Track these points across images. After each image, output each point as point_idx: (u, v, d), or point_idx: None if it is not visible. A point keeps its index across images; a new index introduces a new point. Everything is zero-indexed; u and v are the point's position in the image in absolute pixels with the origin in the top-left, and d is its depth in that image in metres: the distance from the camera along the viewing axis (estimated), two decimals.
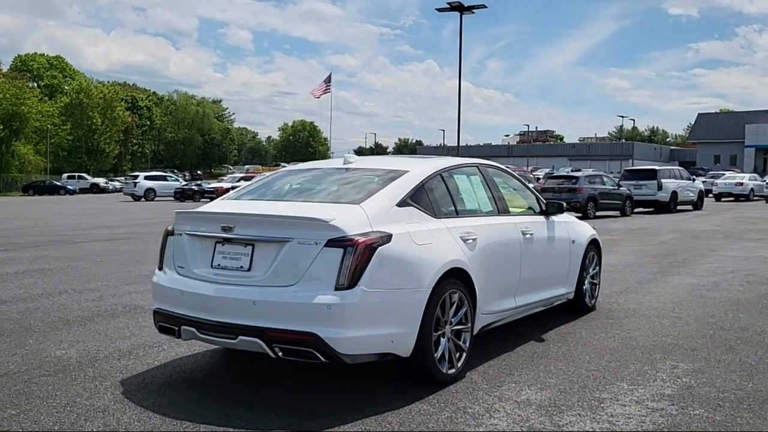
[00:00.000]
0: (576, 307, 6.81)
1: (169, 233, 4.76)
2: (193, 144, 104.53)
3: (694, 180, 29.67)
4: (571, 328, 6.27)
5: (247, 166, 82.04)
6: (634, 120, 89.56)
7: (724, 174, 42.92)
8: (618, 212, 24.72)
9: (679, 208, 27.08)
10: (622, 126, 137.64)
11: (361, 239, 4.01)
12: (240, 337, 4.08)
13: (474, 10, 33.48)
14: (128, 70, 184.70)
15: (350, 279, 3.95)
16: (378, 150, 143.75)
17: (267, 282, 4.10)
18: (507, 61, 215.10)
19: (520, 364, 5.08)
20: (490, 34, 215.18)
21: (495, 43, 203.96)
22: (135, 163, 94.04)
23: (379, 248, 4.06)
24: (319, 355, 3.93)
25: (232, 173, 64.88)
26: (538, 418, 3.96)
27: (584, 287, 6.88)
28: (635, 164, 78.64)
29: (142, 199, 42.82)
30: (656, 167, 28.21)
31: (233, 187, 38.17)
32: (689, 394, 4.40)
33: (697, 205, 28.59)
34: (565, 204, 6.62)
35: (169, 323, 4.52)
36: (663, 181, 26.60)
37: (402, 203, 4.55)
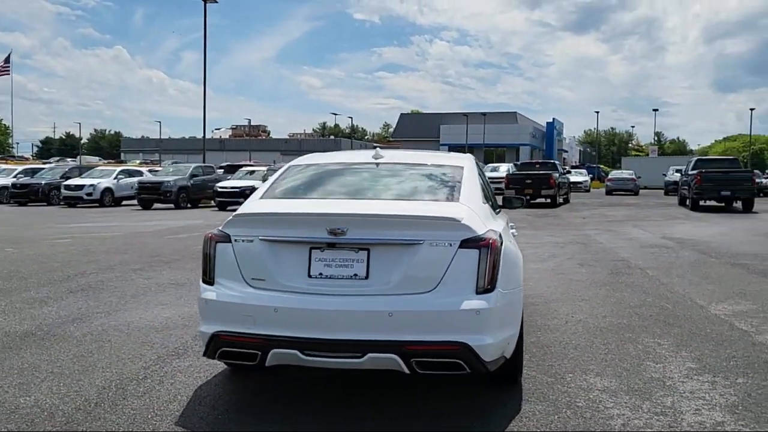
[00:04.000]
0: None
1: (219, 239, 3.95)
2: None
3: None
4: None
5: None
6: (351, 118, 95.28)
7: None
8: None
9: None
10: (325, 123, 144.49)
11: (493, 238, 3.80)
12: (369, 355, 3.58)
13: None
14: None
15: (489, 281, 3.72)
16: (70, 140, 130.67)
17: (397, 290, 3.65)
18: (203, 54, 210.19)
19: (541, 357, 5.20)
20: (186, 24, 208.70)
21: (189, 35, 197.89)
22: None
23: (503, 247, 3.89)
24: (465, 365, 3.63)
25: None
26: (647, 404, 4.15)
27: None
28: None
29: None
30: None
31: None
32: (715, 364, 4.97)
33: None
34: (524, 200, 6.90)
35: (244, 348, 3.76)
36: None
37: (483, 200, 4.40)
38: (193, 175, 27.34)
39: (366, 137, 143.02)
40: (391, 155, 4.91)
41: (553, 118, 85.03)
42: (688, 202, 25.42)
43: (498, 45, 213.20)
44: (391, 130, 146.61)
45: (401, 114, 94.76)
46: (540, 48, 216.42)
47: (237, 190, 25.16)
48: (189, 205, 26.66)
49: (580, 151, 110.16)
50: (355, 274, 3.71)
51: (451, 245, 3.69)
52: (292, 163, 5.01)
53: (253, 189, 25.38)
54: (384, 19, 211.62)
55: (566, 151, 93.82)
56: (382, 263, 3.71)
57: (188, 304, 7.09)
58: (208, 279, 3.96)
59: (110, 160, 76.47)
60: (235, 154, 79.41)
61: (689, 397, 4.29)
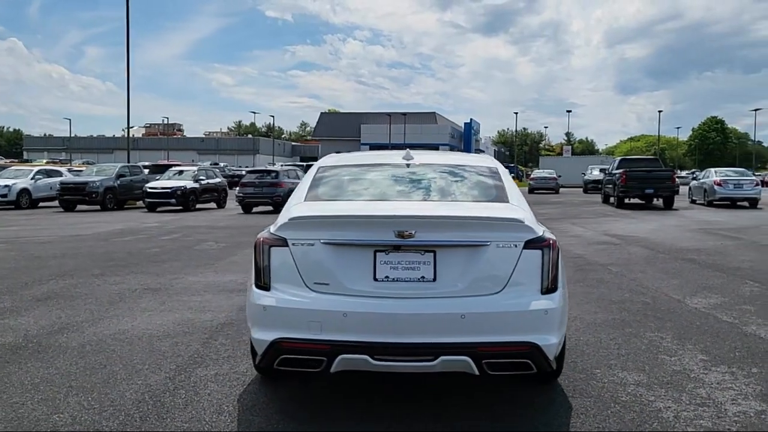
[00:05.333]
0: None
1: (274, 243, 3.81)
2: None
3: None
4: None
5: None
6: (274, 117, 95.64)
7: None
8: None
9: None
10: (240, 122, 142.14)
11: (553, 238, 3.86)
12: (441, 358, 3.56)
13: None
14: None
15: (553, 281, 3.78)
16: None
17: (466, 292, 3.64)
18: (107, 49, 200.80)
19: None
20: (87, 18, 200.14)
21: (92, 28, 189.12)
22: None
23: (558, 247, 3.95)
24: (534, 365, 3.67)
25: None
26: (685, 396, 4.31)
27: None
28: (259, 159, 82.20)
29: None
30: None
31: None
32: (723, 355, 5.22)
33: None
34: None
35: (309, 354, 3.65)
36: None
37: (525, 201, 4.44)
38: (119, 176, 26.17)
39: (283, 136, 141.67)
40: (420, 156, 4.88)
41: (471, 119, 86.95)
42: (612, 200, 26.53)
43: (410, 45, 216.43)
44: (309, 128, 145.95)
45: (321, 113, 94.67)
46: (451, 49, 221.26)
47: (168, 190, 24.41)
48: (115, 207, 25.57)
49: (494, 150, 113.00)
50: (423, 277, 3.68)
51: (516, 246, 3.72)
52: (320, 164, 4.89)
53: (185, 189, 24.77)
54: (297, 18, 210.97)
55: (483, 151, 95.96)
56: (449, 265, 3.69)
57: (176, 310, 6.83)
58: (263, 284, 3.82)
59: (13, 160, 72.42)
60: (150, 154, 77.09)
61: (718, 387, 4.48)
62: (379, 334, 3.59)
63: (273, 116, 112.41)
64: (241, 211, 23.62)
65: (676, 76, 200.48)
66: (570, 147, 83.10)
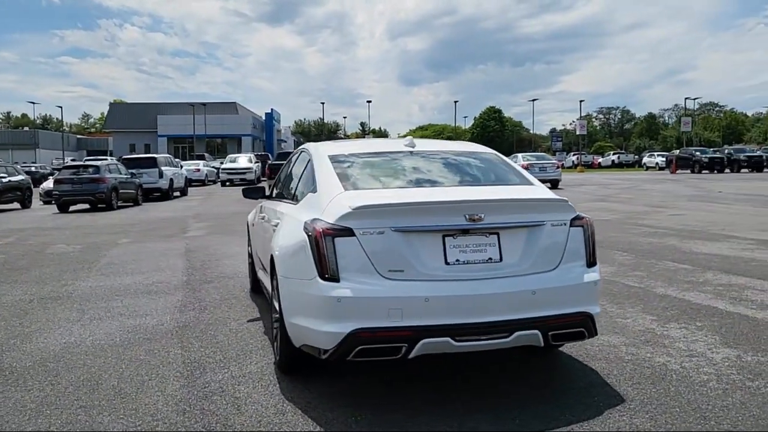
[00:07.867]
0: None
1: (338, 234, 3.70)
2: None
3: (181, 167, 31.14)
4: None
5: None
6: (61, 107, 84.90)
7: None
8: (131, 202, 24.27)
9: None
10: (9, 113, 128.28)
11: (588, 216, 4.19)
12: (516, 334, 3.75)
13: None
14: None
15: (593, 255, 4.13)
16: None
17: (530, 270, 3.85)
18: None
19: None
20: None
21: None
22: None
23: None
24: (587, 333, 4.00)
25: None
26: (672, 350, 4.89)
27: None
28: (42, 155, 75.19)
29: None
30: (155, 156, 28.48)
31: None
32: (665, 314, 5.94)
33: (185, 191, 30.21)
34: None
35: (390, 342, 3.63)
36: (163, 168, 27.26)
37: None
38: None
39: (63, 128, 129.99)
40: (423, 144, 5.02)
41: (272, 109, 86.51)
42: None
43: (194, 33, 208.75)
44: (92, 120, 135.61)
45: (111, 103, 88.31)
46: (237, 38, 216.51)
47: None
48: None
49: (294, 141, 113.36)
50: (490, 258, 3.82)
51: (565, 225, 4.02)
52: (327, 154, 4.72)
53: None
54: None
55: (285, 141, 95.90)
56: (511, 246, 3.88)
57: (108, 318, 6.26)
58: (331, 276, 3.70)
59: None
60: None
61: (688, 340, 5.14)
62: (459, 316, 3.68)
63: (61, 107, 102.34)
64: (56, 211, 21.56)
65: (453, 68, 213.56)
66: (371, 136, 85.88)
